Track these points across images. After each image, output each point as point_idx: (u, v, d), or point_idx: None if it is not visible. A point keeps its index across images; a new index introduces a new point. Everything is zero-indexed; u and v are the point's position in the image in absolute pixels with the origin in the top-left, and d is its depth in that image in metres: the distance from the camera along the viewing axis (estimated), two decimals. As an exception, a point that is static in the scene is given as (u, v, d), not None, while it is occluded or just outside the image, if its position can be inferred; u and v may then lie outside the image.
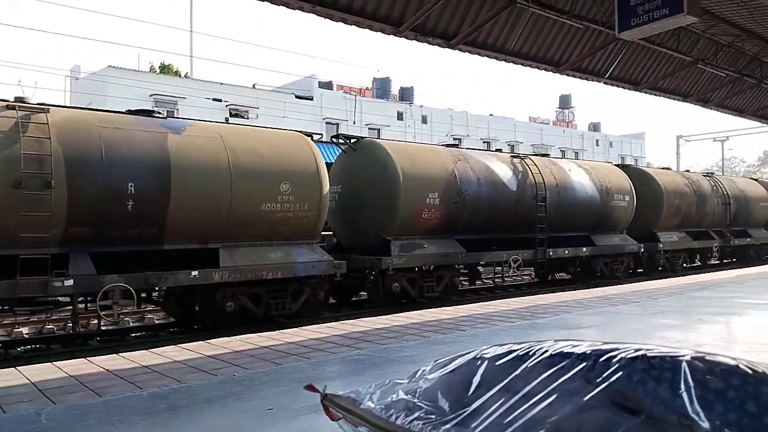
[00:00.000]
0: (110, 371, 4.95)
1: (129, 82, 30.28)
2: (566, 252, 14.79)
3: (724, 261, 22.29)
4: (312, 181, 10.41)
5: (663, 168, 22.11)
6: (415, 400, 2.26)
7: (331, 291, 11.30)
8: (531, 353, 1.85)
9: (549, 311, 8.03)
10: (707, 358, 1.82)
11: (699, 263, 21.27)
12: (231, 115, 33.49)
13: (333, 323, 7.33)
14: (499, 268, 14.36)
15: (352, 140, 12.53)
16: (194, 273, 9.11)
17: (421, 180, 11.88)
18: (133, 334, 10.30)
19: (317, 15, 9.72)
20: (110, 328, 10.47)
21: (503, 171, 13.58)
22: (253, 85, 37.54)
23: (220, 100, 33.35)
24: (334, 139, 12.48)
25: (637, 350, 1.78)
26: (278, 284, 10.13)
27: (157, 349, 5.93)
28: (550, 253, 14.27)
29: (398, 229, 11.70)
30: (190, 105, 31.24)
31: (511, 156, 14.55)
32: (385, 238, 11.64)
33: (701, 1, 7.52)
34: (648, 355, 1.76)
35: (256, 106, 35.10)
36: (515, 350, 1.95)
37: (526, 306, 8.64)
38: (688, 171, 23.60)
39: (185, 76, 39.11)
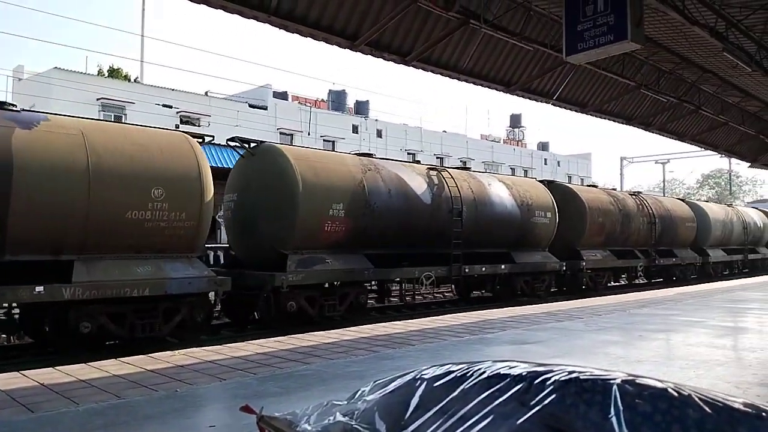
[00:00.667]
0: (45, 385, 4.73)
1: (75, 84, 29.33)
2: (483, 269, 14.19)
3: (652, 281, 22.16)
4: (192, 188, 9.27)
5: (590, 185, 22.01)
6: (353, 423, 2.23)
7: (211, 311, 10.09)
8: (469, 374, 1.87)
9: (497, 326, 8.14)
10: (637, 381, 1.87)
11: (625, 282, 21.22)
12: (182, 122, 32.83)
13: (281, 337, 7.22)
14: (413, 285, 13.57)
15: (251, 145, 11.59)
16: (39, 288, 7.89)
17: (324, 189, 11.03)
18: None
19: (272, 25, 9.68)
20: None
21: (417, 183, 12.92)
22: (206, 93, 36.97)
23: (171, 107, 32.69)
24: (230, 143, 11.57)
25: (570, 372, 1.81)
26: (148, 303, 8.95)
27: (96, 362, 5.70)
28: (466, 270, 13.68)
29: (297, 242, 10.81)
30: (138, 111, 30.48)
31: (428, 168, 13.92)
32: (283, 252, 10.68)
33: (644, 29, 7.85)
34: (581, 378, 1.81)
35: (208, 114, 34.55)
36: (454, 371, 1.96)
37: (474, 321, 8.73)
38: (614, 189, 23.44)
39: (135, 81, 38.18)
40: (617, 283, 20.91)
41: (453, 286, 16.21)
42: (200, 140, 10.30)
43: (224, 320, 11.84)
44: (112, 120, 26.68)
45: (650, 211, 20.84)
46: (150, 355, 6.12)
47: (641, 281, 21.99)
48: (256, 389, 4.61)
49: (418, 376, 2.08)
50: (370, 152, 14.28)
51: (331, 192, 11.14)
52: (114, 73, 40.70)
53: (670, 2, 9.21)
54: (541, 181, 17.86)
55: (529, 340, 7.02)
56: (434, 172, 13.69)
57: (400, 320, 9.43)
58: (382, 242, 12.22)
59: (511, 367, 1.90)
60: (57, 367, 5.57)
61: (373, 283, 12.90)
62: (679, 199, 26.44)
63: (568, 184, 19.33)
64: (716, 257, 25.39)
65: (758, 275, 24.22)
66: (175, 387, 4.68)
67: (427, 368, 2.04)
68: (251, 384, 4.80)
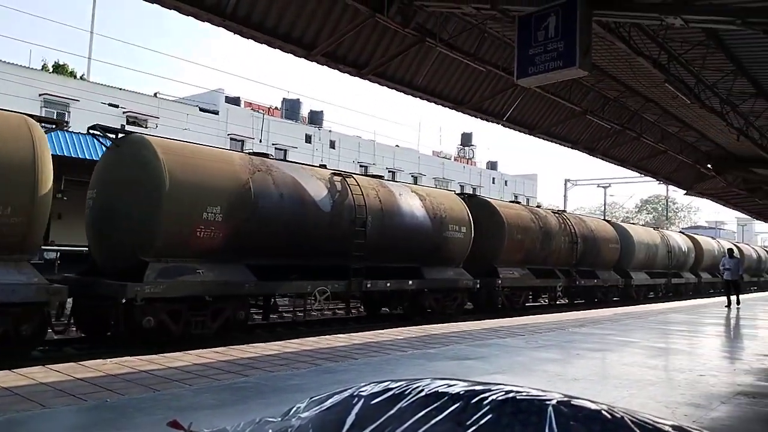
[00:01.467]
0: (-38, 394, 4.45)
1: (17, 78, 28.12)
2: (388, 284, 13.12)
3: (574, 302, 21.50)
4: (22, 178, 8.01)
5: (512, 201, 21.53)
6: None
7: (45, 324, 8.65)
8: (407, 392, 1.84)
9: (440, 341, 8.19)
10: (572, 402, 1.89)
11: (545, 302, 20.73)
12: (128, 122, 31.90)
13: (221, 348, 7.03)
14: (304, 300, 12.10)
15: (118, 136, 10.38)
16: None
17: (198, 189, 9.78)
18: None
19: (227, 29, 9.53)
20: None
21: (316, 188, 11.86)
22: (155, 94, 36.08)
23: (117, 106, 31.74)
24: (92, 131, 10.24)
25: (507, 392, 1.82)
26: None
27: (21, 369, 5.41)
28: (368, 285, 12.59)
29: (161, 248, 9.51)
30: (83, 109, 29.47)
31: (332, 173, 12.80)
32: (143, 259, 9.42)
33: (592, 58, 8.14)
34: (517, 398, 1.81)
35: (156, 116, 33.71)
36: (392, 388, 1.93)
37: (418, 336, 8.76)
38: (539, 207, 23.10)
39: (81, 78, 36.91)
40: (536, 303, 20.49)
41: (360, 302, 15.30)
42: (50, 125, 9.37)
43: (79, 334, 10.56)
44: (55, 116, 25.67)
45: (572, 230, 20.38)
46: (80, 363, 5.86)
47: (562, 301, 21.41)
48: (191, 401, 4.47)
49: (355, 393, 2.04)
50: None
51: (206, 192, 9.93)
52: (59, 68, 39.23)
53: (617, 33, 9.58)
54: (460, 194, 17.28)
55: (471, 355, 7.08)
56: (338, 178, 12.73)
57: (344, 333, 9.36)
58: (269, 252, 11.02)
59: (449, 386, 1.89)
60: (-23, 374, 5.26)
61: (259, 297, 11.54)
62: (605, 220, 26.11)
63: (487, 198, 18.85)
64: (639, 280, 25.16)
65: (681, 299, 24.12)
66: (105, 397, 4.49)
67: (366, 385, 2.01)
68: (186, 395, 4.64)
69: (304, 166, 12.88)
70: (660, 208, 75.19)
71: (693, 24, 7.93)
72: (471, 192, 30.00)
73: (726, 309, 17.05)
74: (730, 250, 19.11)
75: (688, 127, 17.22)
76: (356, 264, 12.44)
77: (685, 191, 26.43)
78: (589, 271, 21.69)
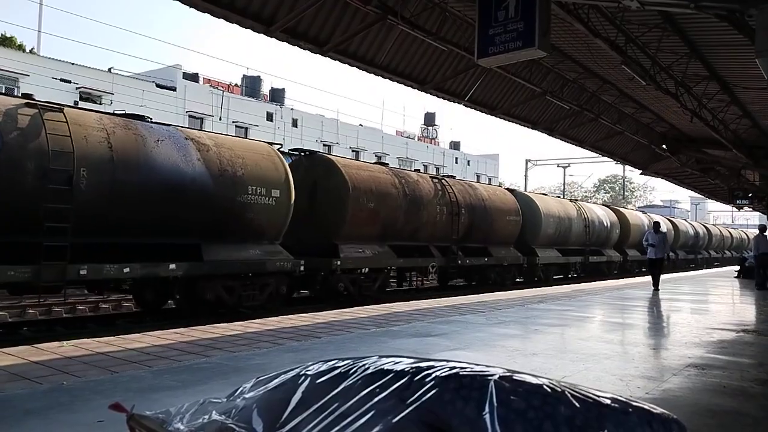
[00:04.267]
0: None
1: (-40, 51, 26.80)
2: (111, 270, 9.32)
3: (457, 284, 18.83)
4: None
5: (377, 162, 16.67)
6: (229, 422, 2.14)
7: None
8: (352, 371, 1.86)
9: (403, 319, 8.28)
10: (514, 377, 1.92)
11: (414, 286, 17.45)
12: (81, 98, 30.84)
13: (181, 329, 6.96)
14: None
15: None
16: None
17: None
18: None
19: (182, 2, 9.27)
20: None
21: None
22: (109, 69, 34.91)
23: (70, 82, 30.62)
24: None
25: (452, 368, 1.85)
26: None
27: (-29, 353, 5.26)
28: (82, 272, 8.97)
29: None
30: (34, 84, 28.27)
31: (25, 102, 8.91)
32: None
33: (551, 39, 8.22)
34: (460, 374, 1.85)
35: (111, 92, 32.67)
36: (338, 367, 1.94)
37: (382, 314, 8.83)
38: (418, 171, 18.62)
39: (31, 52, 35.39)
40: (403, 287, 17.22)
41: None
42: None
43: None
44: (3, 92, 24.61)
45: (453, 199, 16.70)
46: (35, 345, 5.72)
47: (431, 284, 18.69)
48: (150, 382, 4.42)
49: (302, 372, 2.04)
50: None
51: None
52: (7, 41, 37.50)
53: (576, 14, 9.69)
54: (297, 151, 14.53)
55: (432, 332, 7.19)
56: (29, 110, 8.70)
57: (307, 312, 9.37)
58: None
59: (395, 363, 1.91)
60: (-75, 359, 5.09)
61: None
62: (508, 189, 22.15)
63: (331, 156, 15.01)
64: (547, 258, 21.65)
65: (603, 280, 21.36)
66: (61, 380, 4.41)
67: (313, 364, 2.02)
68: (145, 377, 4.60)
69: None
70: (617, 188, 77.19)
71: (649, 7, 8.07)
72: (432, 172, 29.89)
73: (652, 291, 14.69)
74: (656, 224, 16.68)
75: (644, 108, 17.64)
76: (50, 241, 8.42)
77: (641, 171, 27.15)
78: (479, 248, 18.21)
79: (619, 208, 31.04)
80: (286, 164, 12.24)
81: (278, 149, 12.74)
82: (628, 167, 39.87)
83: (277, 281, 11.96)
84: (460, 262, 17.15)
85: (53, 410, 3.70)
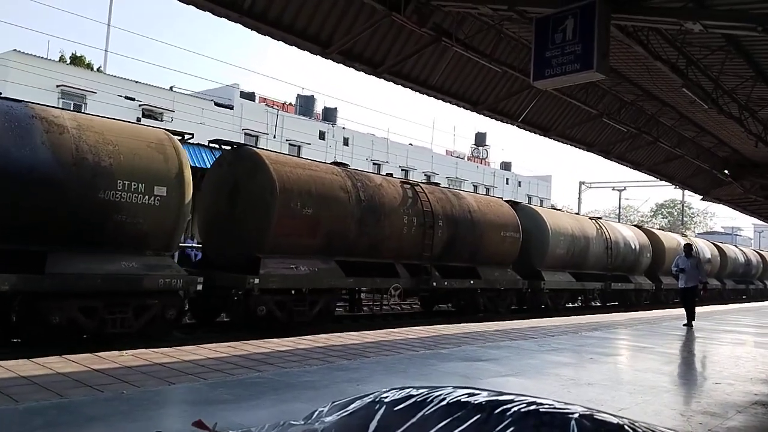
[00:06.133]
0: (-18, 382, 4.54)
1: (35, 69, 28.38)
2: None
3: (437, 311, 16.51)
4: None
5: (335, 163, 13.42)
6: None
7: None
8: (429, 400, 1.85)
9: (452, 342, 8.20)
10: (595, 416, 1.86)
11: (375, 310, 14.16)
12: (144, 115, 32.13)
13: (235, 343, 7.10)
14: None
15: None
16: None
17: None
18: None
19: (244, 26, 9.58)
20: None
21: None
22: (171, 88, 36.30)
23: (134, 99, 31.97)
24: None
25: (529, 404, 1.81)
26: None
27: (39, 359, 5.51)
28: None
29: None
30: (100, 101, 29.67)
31: None
32: None
33: (609, 61, 8.10)
34: (540, 410, 1.81)
35: (172, 109, 33.92)
36: (414, 395, 1.93)
37: (431, 335, 8.78)
38: (391, 174, 15.46)
39: (98, 70, 37.21)
40: (366, 310, 14.25)
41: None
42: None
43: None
44: (71, 109, 25.95)
45: (428, 209, 13.80)
46: (97, 354, 5.94)
47: (400, 308, 15.91)
48: (206, 395, 4.52)
49: (377, 399, 2.05)
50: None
51: None
52: (76, 60, 39.57)
53: (635, 37, 9.52)
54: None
55: (482, 357, 7.09)
56: None
57: (356, 330, 9.41)
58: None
59: (471, 395, 1.89)
60: (-3, 362, 5.36)
61: None
62: (507, 201, 18.35)
63: (257, 149, 12.07)
64: (556, 283, 18.36)
65: (630, 310, 18.99)
66: (121, 388, 4.56)
67: (387, 391, 2.02)
68: (201, 389, 4.70)
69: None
70: (676, 213, 74.57)
71: (712, 30, 7.86)
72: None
73: (685, 328, 12.24)
74: (687, 246, 14.10)
75: (706, 132, 17.07)
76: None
77: (702, 197, 26.19)
78: (465, 269, 15.30)
79: (653, 230, 27.61)
80: (184, 157, 9.79)
81: (212, 142, 11.86)
82: (687, 192, 38.47)
83: (163, 303, 9.35)
84: (435, 284, 14.02)
85: (114, 418, 3.82)
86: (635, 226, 27.11)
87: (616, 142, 18.08)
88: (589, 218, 22.54)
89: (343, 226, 12.00)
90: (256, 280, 10.36)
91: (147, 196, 9.15)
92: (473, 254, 15.37)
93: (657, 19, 7.96)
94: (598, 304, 22.46)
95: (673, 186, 27.26)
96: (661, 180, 23.78)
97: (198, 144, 14.72)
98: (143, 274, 9.11)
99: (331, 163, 13.39)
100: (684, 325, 12.59)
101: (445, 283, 14.33)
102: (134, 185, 9.01)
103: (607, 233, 21.42)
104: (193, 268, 11.57)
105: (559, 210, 22.23)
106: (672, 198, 75.84)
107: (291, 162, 11.85)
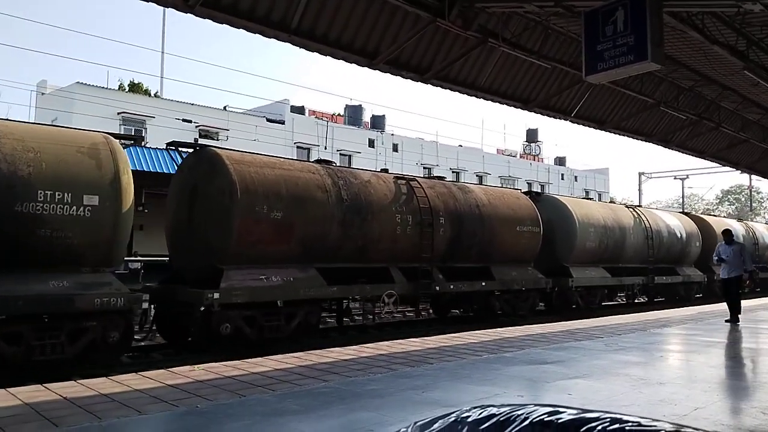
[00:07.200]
0: (67, 399, 4.80)
1: (97, 99, 29.85)
2: None
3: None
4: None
5: (317, 161, 11.98)
6: None
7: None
8: (512, 419, 1.84)
9: (515, 345, 8.10)
10: None
11: (369, 319, 12.97)
12: (201, 136, 33.22)
13: (299, 353, 7.24)
14: None
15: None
16: None
17: None
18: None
19: (293, 44, 9.80)
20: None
21: None
22: (224, 107, 37.41)
23: (190, 121, 33.13)
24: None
25: (613, 421, 1.78)
26: None
27: (117, 376, 5.78)
28: None
29: None
30: (159, 125, 30.92)
31: None
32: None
33: (664, 48, 7.85)
34: (626, 428, 1.76)
35: (226, 128, 34.94)
36: (496, 414, 1.93)
37: (492, 339, 8.69)
38: (386, 170, 14.13)
39: (155, 96, 38.76)
40: (358, 320, 13.49)
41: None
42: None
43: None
44: (133, 133, 27.12)
45: (426, 206, 12.50)
46: (170, 369, 6.17)
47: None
48: (275, 406, 4.63)
49: (459, 419, 2.06)
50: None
51: None
52: (134, 87, 41.42)
53: (690, 22, 9.20)
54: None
55: (547, 359, 6.97)
56: None
57: (417, 337, 9.41)
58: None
59: (553, 413, 1.87)
60: (79, 381, 5.65)
61: None
62: (526, 192, 16.91)
63: (217, 148, 10.89)
64: (587, 279, 16.66)
65: (677, 306, 16.95)
66: (195, 403, 4.72)
67: (469, 410, 2.03)
68: (270, 401, 4.82)
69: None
70: (743, 199, 71.16)
71: (774, 7, 7.51)
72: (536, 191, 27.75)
73: (728, 324, 10.91)
74: (727, 232, 12.23)
75: (772, 113, 16.28)
76: None
77: (770, 181, 24.91)
78: (477, 269, 13.88)
79: (704, 216, 24.66)
80: (123, 161, 8.91)
81: (170, 144, 10.77)
82: (755, 177, 36.70)
83: (103, 325, 8.47)
84: (438, 288, 12.68)
85: (191, 432, 3.97)
86: (682, 212, 24.74)
87: (676, 131, 17.46)
88: (626, 206, 20.40)
89: (322, 229, 10.78)
90: (216, 295, 9.29)
91: (75, 207, 8.25)
92: (485, 253, 13.94)
93: (713, 2, 7.68)
94: (644, 299, 20.66)
95: (739, 171, 26.04)
96: (725, 166, 22.79)
97: (158, 148, 14.21)
98: (75, 294, 8.16)
99: (314, 162, 12.13)
100: (726, 321, 11.18)
101: (451, 286, 12.96)
102: (58, 195, 8.11)
103: (646, 222, 19.27)
104: (161, 284, 10.90)
105: (615, 203, 20.20)
106: (739, 183, 72.43)
107: (257, 161, 10.57)
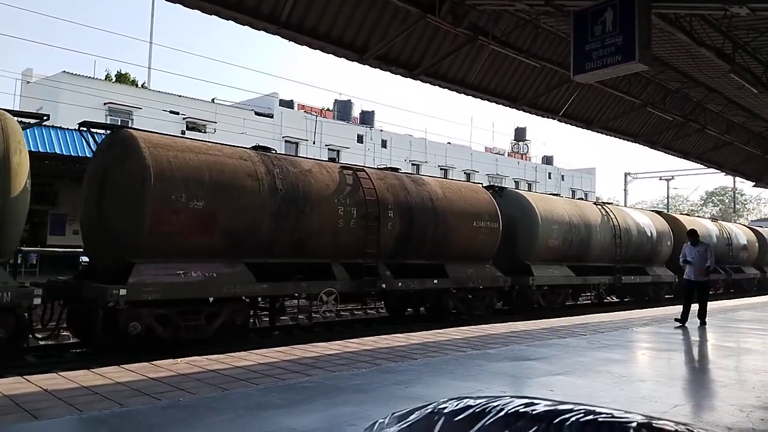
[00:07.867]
0: (48, 391, 4.76)
1: (83, 89, 29.51)
2: None
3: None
4: None
5: (305, 158, 12.30)
6: None
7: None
8: (487, 410, 1.87)
9: (499, 342, 8.14)
10: (654, 425, 1.84)
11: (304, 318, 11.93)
12: (188, 128, 33.00)
13: (283, 347, 7.23)
14: None
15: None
16: None
17: None
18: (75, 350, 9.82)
19: (281, 37, 9.75)
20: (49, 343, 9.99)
21: None
22: (212, 100, 37.16)
23: (178, 113, 32.87)
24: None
25: (587, 413, 1.82)
26: None
27: (99, 369, 5.73)
28: None
29: None
30: (146, 116, 30.64)
31: None
32: None
33: (652, 50, 7.91)
34: (599, 420, 1.80)
35: (214, 121, 34.72)
36: (472, 406, 1.96)
37: (477, 335, 8.73)
38: (335, 160, 13.69)
39: (142, 87, 38.40)
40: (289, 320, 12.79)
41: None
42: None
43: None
44: (119, 123, 26.89)
45: (373, 197, 11.76)
46: (153, 362, 6.14)
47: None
48: (258, 400, 4.62)
49: (436, 410, 2.08)
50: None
51: None
52: (122, 78, 41.00)
53: (678, 24, 9.28)
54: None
55: (531, 356, 7.02)
56: None
57: (402, 332, 9.43)
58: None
59: (529, 405, 1.91)
60: (60, 373, 5.60)
61: None
62: (487, 187, 16.27)
63: (132, 130, 9.84)
64: (549, 278, 16.12)
65: (646, 307, 16.46)
66: (178, 396, 4.70)
67: (445, 401, 2.05)
68: (253, 395, 4.81)
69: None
70: (727, 201, 72.06)
71: (760, 12, 7.59)
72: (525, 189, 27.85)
73: (679, 328, 10.32)
74: (692, 232, 11.66)
75: (756, 117, 16.48)
76: None
77: (754, 183, 25.26)
78: (430, 266, 13.18)
79: (676, 215, 24.22)
80: (16, 140, 8.09)
81: (81, 124, 9.72)
82: (738, 179, 37.11)
83: None
84: (384, 285, 11.92)
85: (173, 425, 3.95)
86: (654, 211, 24.59)
87: (662, 132, 17.62)
88: (595, 203, 19.79)
89: (251, 220, 9.88)
90: (122, 291, 8.41)
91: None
92: (439, 249, 13.15)
93: (700, 5, 7.74)
94: (613, 299, 20.21)
95: (723, 173, 26.35)
96: (710, 167, 23.04)
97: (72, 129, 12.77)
98: None
99: (250, 148, 11.11)
100: (677, 319, 10.76)
101: (399, 284, 12.21)
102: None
103: (614, 220, 18.68)
104: (75, 279, 10.00)
105: (557, 195, 19.16)
106: (723, 185, 73.44)
107: (179, 145, 9.60)
